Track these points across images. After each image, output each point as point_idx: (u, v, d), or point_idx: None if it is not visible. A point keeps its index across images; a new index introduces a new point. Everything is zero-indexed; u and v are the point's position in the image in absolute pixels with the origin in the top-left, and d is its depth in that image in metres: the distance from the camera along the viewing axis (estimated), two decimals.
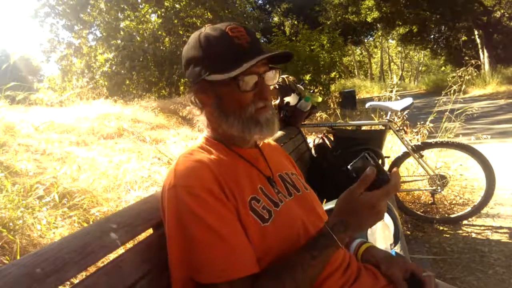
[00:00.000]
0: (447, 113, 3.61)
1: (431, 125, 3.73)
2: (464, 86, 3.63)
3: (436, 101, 3.90)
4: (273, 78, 0.88)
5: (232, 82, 0.81)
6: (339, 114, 5.20)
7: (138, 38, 12.30)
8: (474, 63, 3.72)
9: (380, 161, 2.74)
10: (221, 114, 0.85)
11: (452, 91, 3.61)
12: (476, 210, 2.68)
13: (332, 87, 14.19)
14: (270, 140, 1.08)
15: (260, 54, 0.81)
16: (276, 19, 26.43)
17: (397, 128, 2.80)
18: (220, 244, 0.72)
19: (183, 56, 0.89)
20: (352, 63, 32.62)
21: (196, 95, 0.88)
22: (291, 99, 2.57)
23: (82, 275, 0.72)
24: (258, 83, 0.83)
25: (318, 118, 5.41)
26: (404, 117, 3.61)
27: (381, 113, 3.75)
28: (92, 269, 0.74)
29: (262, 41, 15.87)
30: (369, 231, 1.17)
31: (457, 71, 3.80)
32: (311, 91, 2.84)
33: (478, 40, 18.14)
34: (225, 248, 0.72)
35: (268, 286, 0.74)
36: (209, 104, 0.87)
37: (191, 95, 0.89)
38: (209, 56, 0.83)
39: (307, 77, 10.79)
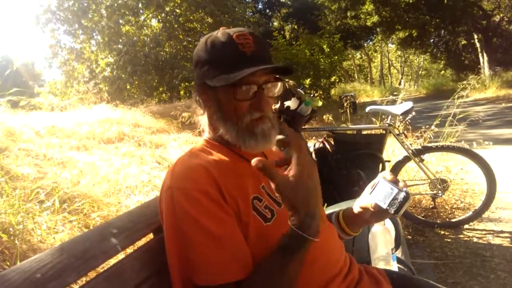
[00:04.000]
0: (450, 118, 3.62)
1: (436, 129, 3.73)
2: (468, 91, 3.65)
3: (436, 105, 3.92)
4: (274, 89, 0.87)
5: (230, 89, 0.81)
6: (349, 117, 5.24)
7: (139, 43, 12.36)
8: (480, 71, 3.78)
9: (381, 166, 2.74)
10: (220, 118, 0.86)
11: (455, 96, 3.62)
12: (477, 214, 2.67)
13: (332, 91, 14.21)
14: None
15: (262, 64, 0.80)
16: (276, 23, 26.57)
17: (398, 132, 2.80)
18: (214, 246, 0.72)
19: (194, 55, 0.90)
20: (352, 67, 32.71)
21: (199, 96, 0.89)
22: (291, 104, 2.57)
23: (83, 280, 0.72)
24: (257, 93, 0.82)
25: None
26: (407, 122, 3.61)
27: (383, 116, 3.76)
28: (92, 274, 0.74)
29: None
30: (370, 235, 1.17)
31: (469, 79, 3.82)
32: (311, 95, 2.85)
33: (477, 44, 18.21)
34: (219, 251, 0.72)
35: None
36: (210, 106, 0.88)
37: (196, 95, 0.90)
38: (213, 60, 0.84)
39: (307, 81, 10.82)
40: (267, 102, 0.84)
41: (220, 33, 0.85)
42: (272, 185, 0.70)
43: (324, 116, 5.16)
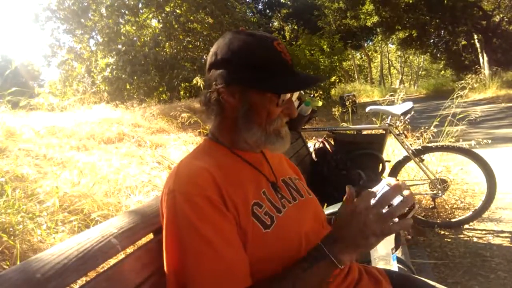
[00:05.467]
0: (450, 117, 3.62)
1: (435, 130, 3.73)
2: (467, 91, 3.65)
3: (436, 105, 3.92)
4: (295, 95, 0.90)
5: (272, 96, 0.82)
6: (350, 117, 5.23)
7: (139, 43, 12.36)
8: (481, 71, 3.76)
9: (381, 166, 2.74)
10: (246, 122, 0.84)
11: (456, 96, 3.62)
12: (477, 214, 2.67)
13: (332, 91, 14.23)
14: None
15: (296, 73, 0.84)
16: (276, 23, 26.60)
17: (398, 132, 2.80)
18: (212, 255, 0.71)
19: (219, 52, 0.84)
20: (352, 67, 32.72)
21: (223, 97, 0.83)
22: None
23: (83, 280, 0.71)
24: (289, 100, 0.86)
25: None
26: (406, 121, 3.61)
27: (383, 116, 3.76)
28: (92, 274, 0.74)
29: None
30: None
31: (465, 78, 3.81)
32: (311, 95, 2.85)
33: (477, 44, 18.22)
34: (216, 260, 0.71)
35: None
36: (234, 109, 0.84)
37: (214, 95, 0.84)
38: (256, 65, 0.81)
39: None
40: (295, 107, 0.88)
41: (255, 39, 0.82)
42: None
43: (333, 109, 5.20)
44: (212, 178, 0.77)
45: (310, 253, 0.74)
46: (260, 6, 25.00)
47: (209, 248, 0.71)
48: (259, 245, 0.77)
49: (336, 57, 12.59)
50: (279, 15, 25.83)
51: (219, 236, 0.72)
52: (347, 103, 5.72)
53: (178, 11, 13.11)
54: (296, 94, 0.90)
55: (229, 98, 0.83)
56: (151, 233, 0.90)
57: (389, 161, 2.96)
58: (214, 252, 0.71)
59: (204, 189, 0.75)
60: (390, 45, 30.50)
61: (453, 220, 2.80)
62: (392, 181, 0.89)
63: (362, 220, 0.70)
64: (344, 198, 0.83)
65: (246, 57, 0.81)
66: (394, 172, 2.82)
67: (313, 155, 2.77)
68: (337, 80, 14.60)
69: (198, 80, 4.18)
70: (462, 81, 3.76)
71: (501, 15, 17.29)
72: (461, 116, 3.66)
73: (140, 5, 12.79)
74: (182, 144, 4.68)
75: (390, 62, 38.33)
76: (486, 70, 15.82)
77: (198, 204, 0.73)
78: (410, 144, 3.04)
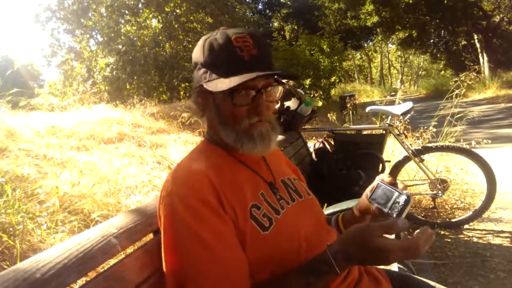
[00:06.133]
0: (448, 117, 3.62)
1: (434, 130, 3.73)
2: (464, 90, 3.64)
3: (436, 105, 3.91)
4: (275, 93, 0.85)
5: (228, 94, 0.79)
6: (350, 117, 5.22)
7: (139, 43, 12.35)
8: (477, 68, 3.73)
9: (381, 166, 2.74)
10: (219, 121, 0.84)
11: (454, 95, 3.62)
12: (477, 215, 2.67)
13: (332, 92, 14.22)
14: None
15: (261, 69, 0.77)
16: (276, 24, 26.57)
17: (398, 132, 2.80)
18: (211, 257, 0.71)
19: (193, 54, 0.88)
20: (352, 67, 32.71)
21: (197, 99, 0.87)
22: (291, 104, 2.58)
23: (83, 280, 0.71)
24: (256, 98, 0.80)
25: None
26: (406, 121, 3.61)
27: (383, 116, 3.76)
28: (92, 274, 0.74)
29: None
30: None
31: (460, 76, 3.80)
32: (311, 95, 2.85)
33: (477, 44, 18.22)
34: (215, 262, 0.71)
35: None
36: (208, 109, 0.86)
37: (194, 97, 0.88)
38: (209, 63, 0.81)
39: (307, 81, 10.83)
40: (266, 106, 0.82)
41: (218, 35, 0.81)
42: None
43: (328, 115, 5.19)
44: (209, 181, 0.77)
45: (318, 267, 0.71)
46: (260, 6, 24.96)
47: (207, 251, 0.71)
48: (258, 247, 0.77)
49: (336, 57, 12.60)
50: (279, 15, 25.78)
51: (217, 239, 0.72)
52: (348, 105, 5.66)
53: (178, 11, 13.10)
54: (277, 92, 0.85)
55: (201, 99, 0.86)
56: (151, 233, 0.90)
57: (389, 161, 2.96)
58: (212, 255, 0.71)
59: (201, 192, 0.75)
60: (390, 45, 30.52)
61: (453, 220, 2.80)
62: (386, 177, 0.89)
63: (387, 256, 0.66)
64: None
65: (203, 57, 0.82)
66: (394, 172, 2.82)
67: (313, 155, 2.77)
68: (337, 80, 14.58)
69: None
70: (456, 79, 3.75)
71: (501, 15, 17.30)
72: (459, 116, 3.66)
73: (140, 5, 12.78)
74: (182, 144, 4.68)
75: (390, 62, 38.33)
76: (486, 70, 15.82)
77: (195, 207, 0.73)
78: (410, 144, 3.04)
